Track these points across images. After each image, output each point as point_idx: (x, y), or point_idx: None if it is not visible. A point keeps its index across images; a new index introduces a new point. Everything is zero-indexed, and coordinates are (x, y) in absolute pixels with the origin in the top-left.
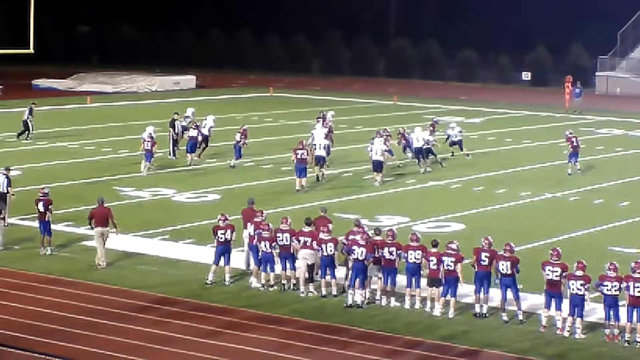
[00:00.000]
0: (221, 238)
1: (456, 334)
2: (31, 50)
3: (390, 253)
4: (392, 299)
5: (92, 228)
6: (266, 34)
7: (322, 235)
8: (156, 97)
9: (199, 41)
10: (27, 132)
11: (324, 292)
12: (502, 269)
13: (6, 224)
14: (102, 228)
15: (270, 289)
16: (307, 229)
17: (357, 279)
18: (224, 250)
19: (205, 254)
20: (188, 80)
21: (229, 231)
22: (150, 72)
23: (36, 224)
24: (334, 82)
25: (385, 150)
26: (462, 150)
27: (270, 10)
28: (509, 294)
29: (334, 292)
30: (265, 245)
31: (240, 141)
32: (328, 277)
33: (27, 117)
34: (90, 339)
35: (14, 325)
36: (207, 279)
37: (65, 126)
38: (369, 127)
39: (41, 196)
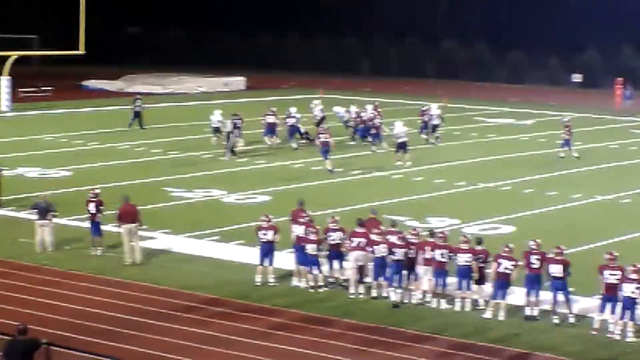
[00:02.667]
0: (263, 238)
1: (507, 336)
2: (81, 52)
3: (442, 255)
4: (443, 301)
5: (119, 226)
6: (315, 36)
7: (373, 237)
8: (205, 98)
9: (247, 43)
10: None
11: (374, 294)
12: (554, 272)
13: None
14: (130, 225)
15: (320, 290)
16: (359, 230)
17: (395, 278)
18: (267, 250)
19: (254, 255)
20: (237, 81)
21: (270, 232)
22: (199, 73)
23: (86, 224)
24: (382, 84)
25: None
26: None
27: (319, 12)
28: (560, 297)
29: (385, 294)
30: (312, 248)
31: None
32: (380, 279)
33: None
34: (139, 339)
35: (64, 325)
36: (255, 280)
37: (114, 127)
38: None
39: (92, 197)
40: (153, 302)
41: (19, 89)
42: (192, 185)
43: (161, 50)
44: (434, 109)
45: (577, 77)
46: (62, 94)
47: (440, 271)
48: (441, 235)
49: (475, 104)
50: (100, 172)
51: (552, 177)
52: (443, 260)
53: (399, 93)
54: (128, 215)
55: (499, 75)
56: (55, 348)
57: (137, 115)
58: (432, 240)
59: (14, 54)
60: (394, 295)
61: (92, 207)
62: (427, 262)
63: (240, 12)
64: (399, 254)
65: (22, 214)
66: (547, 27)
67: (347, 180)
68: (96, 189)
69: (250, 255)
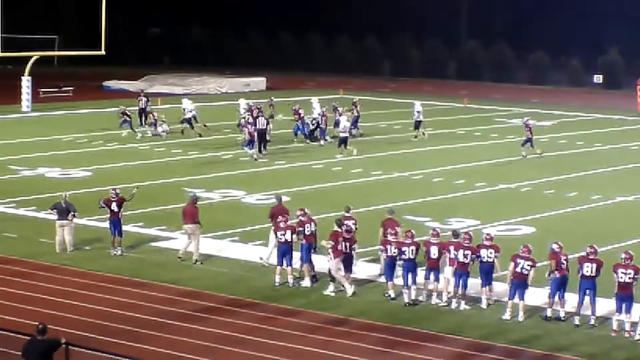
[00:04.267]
0: (281, 239)
1: (527, 338)
2: (102, 52)
3: (465, 256)
4: (463, 302)
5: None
6: (336, 36)
7: (389, 238)
8: (226, 98)
9: (269, 43)
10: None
11: (392, 295)
12: (587, 272)
13: None
14: (189, 225)
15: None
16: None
17: (409, 277)
18: (285, 251)
19: (274, 255)
20: (258, 82)
21: (288, 232)
22: (220, 73)
23: (104, 224)
24: (404, 84)
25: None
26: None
27: (340, 12)
28: (587, 298)
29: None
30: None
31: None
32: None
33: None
34: (159, 340)
35: (84, 325)
36: (275, 281)
37: (135, 127)
38: (439, 129)
39: (113, 197)
40: (173, 302)
41: (40, 89)
42: (212, 185)
43: (182, 50)
44: (417, 105)
45: (598, 78)
46: (82, 94)
47: (462, 272)
48: (467, 236)
49: (496, 104)
50: (120, 172)
51: (572, 178)
52: (466, 261)
53: (420, 94)
54: (188, 215)
55: (520, 76)
56: (74, 348)
57: (141, 113)
58: (455, 240)
59: (36, 54)
60: (407, 296)
61: (114, 206)
62: (452, 262)
63: (261, 12)
64: (409, 252)
65: (42, 214)
66: (568, 28)
67: (368, 180)
68: (116, 188)
69: (271, 256)
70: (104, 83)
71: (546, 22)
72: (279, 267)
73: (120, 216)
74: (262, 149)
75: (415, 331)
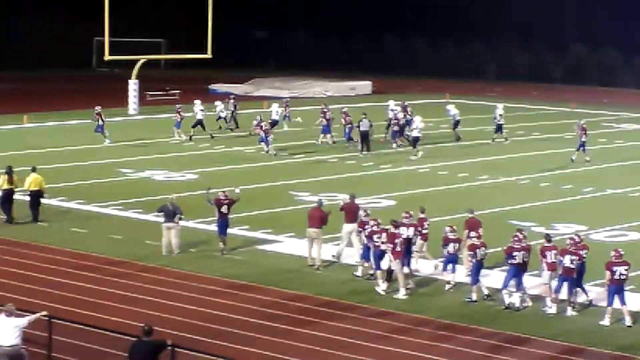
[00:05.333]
0: (377, 242)
1: (636, 344)
2: (209, 56)
3: (571, 262)
4: (569, 308)
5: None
6: (441, 40)
7: (474, 241)
8: (332, 102)
9: (374, 47)
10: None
11: (474, 298)
12: None
13: None
14: (314, 229)
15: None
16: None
17: (513, 281)
18: (381, 254)
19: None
20: (364, 85)
21: (383, 235)
22: (325, 77)
23: (211, 227)
24: (510, 88)
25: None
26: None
27: (445, 16)
28: None
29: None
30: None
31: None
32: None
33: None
34: (262, 342)
35: (187, 326)
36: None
37: (240, 131)
38: (547, 133)
39: (223, 198)
40: (277, 305)
41: (147, 92)
42: (318, 189)
43: (288, 54)
44: (500, 108)
45: None
46: (189, 98)
47: (567, 277)
48: (572, 241)
49: (604, 109)
50: (226, 175)
51: None
52: (572, 266)
53: (525, 98)
54: (314, 219)
55: (627, 80)
56: (180, 350)
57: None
58: (549, 245)
59: (143, 58)
60: (507, 299)
61: (224, 208)
62: (551, 266)
63: (366, 16)
64: (519, 257)
65: (149, 216)
66: None
67: (474, 185)
68: (225, 190)
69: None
70: (209, 86)
71: None
72: (378, 272)
73: (228, 218)
74: (364, 149)
75: (520, 337)
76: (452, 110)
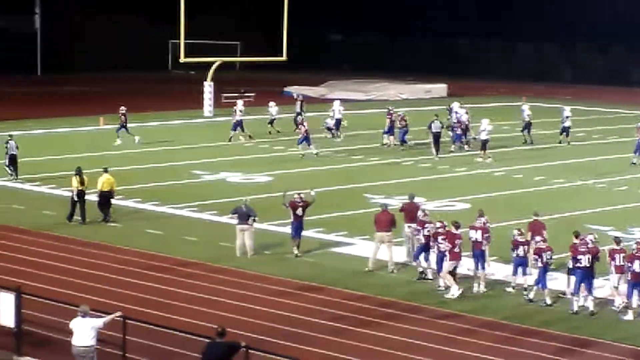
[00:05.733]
0: (441, 244)
1: None
2: (284, 58)
3: None
4: (630, 312)
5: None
6: (517, 43)
7: (541, 245)
8: (407, 105)
9: (449, 50)
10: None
11: (548, 301)
12: None
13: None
14: (383, 233)
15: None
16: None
17: (582, 285)
18: (442, 257)
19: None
20: (439, 88)
21: (457, 241)
22: (401, 80)
23: (284, 229)
24: (586, 92)
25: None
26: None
27: (520, 19)
28: None
29: (548, 301)
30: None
31: None
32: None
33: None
34: (338, 345)
35: (263, 329)
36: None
37: (315, 133)
38: (624, 137)
39: (298, 201)
40: (349, 307)
41: (222, 94)
42: (392, 192)
43: (363, 57)
44: (567, 111)
45: None
46: (263, 100)
47: (637, 283)
48: (638, 246)
49: None
50: (300, 178)
51: None
52: None
53: (601, 101)
54: (382, 222)
55: None
56: (254, 352)
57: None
58: (617, 248)
59: (219, 60)
60: (576, 305)
61: (299, 211)
62: (619, 269)
63: (442, 20)
64: (584, 260)
65: (224, 218)
66: None
67: (550, 188)
68: (301, 193)
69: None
70: (284, 88)
71: None
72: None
73: (303, 220)
74: (437, 151)
75: (594, 341)
76: (527, 111)
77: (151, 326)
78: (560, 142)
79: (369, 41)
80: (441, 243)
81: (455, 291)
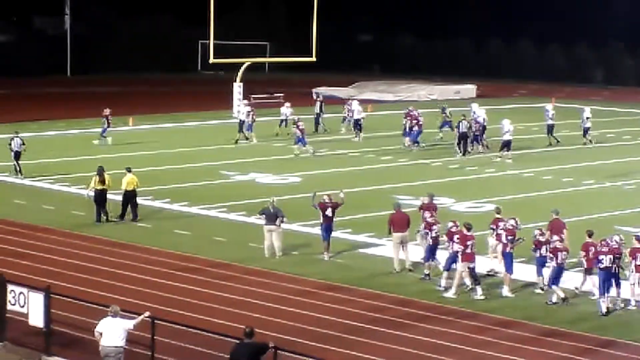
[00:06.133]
0: (456, 243)
1: None
2: (313, 59)
3: None
4: None
5: (390, 233)
6: (547, 43)
7: (557, 245)
8: (436, 106)
9: (479, 50)
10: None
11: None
12: None
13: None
14: (401, 233)
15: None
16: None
17: (605, 286)
18: (455, 258)
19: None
20: (468, 89)
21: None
22: (430, 80)
23: (314, 230)
24: (617, 93)
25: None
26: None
27: (551, 19)
28: None
29: (554, 299)
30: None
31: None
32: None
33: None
34: (366, 346)
35: (291, 330)
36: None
37: (345, 134)
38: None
39: (327, 202)
40: (379, 309)
41: (251, 95)
42: (421, 193)
43: (392, 58)
44: (587, 111)
45: None
46: (292, 101)
47: None
48: None
49: None
50: (329, 179)
51: None
52: None
53: (632, 102)
54: (399, 223)
55: None
56: (282, 352)
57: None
58: (639, 247)
59: (249, 61)
60: (604, 307)
61: (329, 212)
62: (639, 268)
63: (472, 20)
64: (606, 260)
65: (252, 219)
66: None
67: (579, 190)
68: (330, 194)
69: (483, 266)
70: (313, 89)
71: None
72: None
73: (333, 221)
74: (465, 152)
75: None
76: (550, 111)
77: (179, 327)
78: (584, 144)
79: (400, 42)
80: (456, 242)
81: (451, 294)
